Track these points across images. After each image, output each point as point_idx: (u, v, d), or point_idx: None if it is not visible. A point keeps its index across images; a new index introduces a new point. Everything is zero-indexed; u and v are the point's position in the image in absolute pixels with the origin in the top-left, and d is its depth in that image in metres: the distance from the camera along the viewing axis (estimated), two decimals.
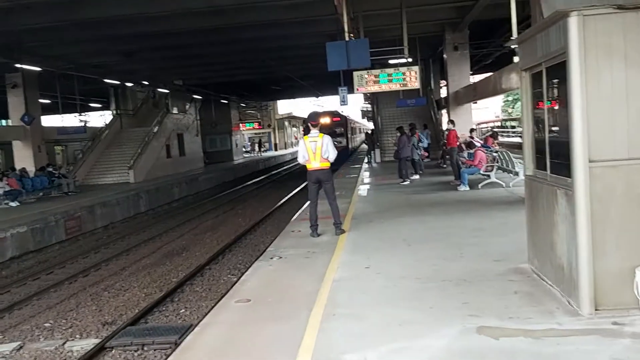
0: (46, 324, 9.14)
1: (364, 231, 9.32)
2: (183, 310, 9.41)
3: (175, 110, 36.63)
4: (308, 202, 9.84)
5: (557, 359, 3.99)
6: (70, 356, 7.67)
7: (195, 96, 39.56)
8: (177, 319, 8.98)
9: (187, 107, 39.07)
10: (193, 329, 5.99)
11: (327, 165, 9.15)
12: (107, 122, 33.67)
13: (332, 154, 9.09)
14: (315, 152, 9.04)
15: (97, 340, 8.01)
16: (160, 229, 18.29)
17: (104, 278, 12.14)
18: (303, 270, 7.18)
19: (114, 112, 34.17)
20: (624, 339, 4.21)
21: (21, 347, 8.08)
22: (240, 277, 7.73)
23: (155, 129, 31.63)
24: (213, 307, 6.45)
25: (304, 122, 33.85)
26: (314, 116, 10.07)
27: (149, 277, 11.93)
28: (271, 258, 7.98)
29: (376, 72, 17.06)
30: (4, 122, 33.31)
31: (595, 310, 4.62)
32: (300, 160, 9.36)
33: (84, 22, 18.96)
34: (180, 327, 8.08)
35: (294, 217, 12.39)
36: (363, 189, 15.76)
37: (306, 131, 9.48)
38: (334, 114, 36.79)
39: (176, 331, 7.81)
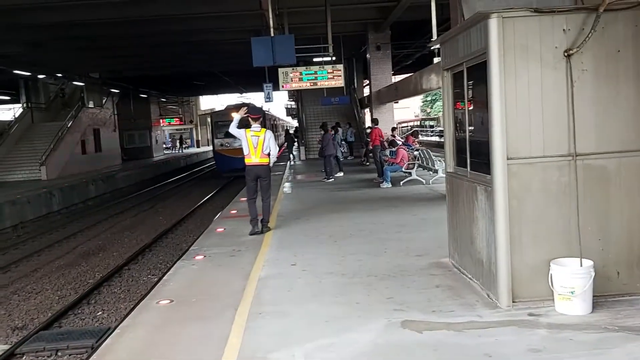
0: None
1: (290, 228, 9.29)
2: (100, 313, 9.01)
3: (91, 104, 35.07)
4: (245, 199, 9.51)
5: (478, 350, 4.11)
6: None
7: (112, 90, 38.07)
8: (94, 322, 8.58)
9: (104, 101, 37.52)
10: (112, 332, 5.74)
11: (266, 161, 8.97)
12: (17, 116, 31.76)
13: (274, 150, 8.97)
14: (256, 146, 8.82)
15: (6, 347, 7.52)
16: (75, 228, 17.48)
17: (13, 280, 11.44)
18: (228, 269, 7.04)
19: (24, 105, 32.27)
20: (540, 329, 4.40)
21: None
22: (161, 277, 7.48)
23: (70, 124, 30.19)
24: (133, 308, 6.21)
25: (211, 118, 32.12)
26: (257, 110, 9.88)
27: (63, 278, 11.35)
28: (194, 257, 7.78)
29: (301, 69, 17.07)
30: None
31: (513, 302, 4.81)
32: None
33: None
34: (97, 330, 7.72)
35: (218, 215, 12.17)
36: (288, 187, 15.73)
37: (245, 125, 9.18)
38: (251, 107, 34.22)
39: (93, 335, 7.46)
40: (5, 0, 16.87)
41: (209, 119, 35.88)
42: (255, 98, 56.73)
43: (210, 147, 36.55)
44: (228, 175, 27.40)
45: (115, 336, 5.08)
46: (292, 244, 8.13)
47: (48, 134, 28.83)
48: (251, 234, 8.92)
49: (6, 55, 25.22)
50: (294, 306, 5.40)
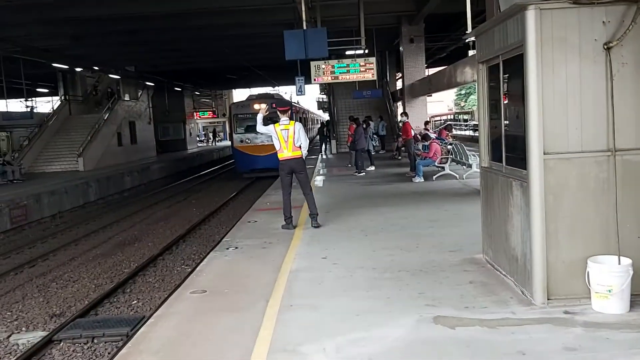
0: None
1: (321, 222, 9.30)
2: (135, 302, 9.17)
3: (127, 97, 35.69)
4: (281, 193, 9.21)
5: (511, 347, 4.06)
6: (15, 349, 7.37)
7: (147, 83, 38.64)
8: (129, 311, 8.74)
9: (140, 94, 38.13)
10: (146, 320, 5.84)
11: (299, 153, 8.87)
12: (55, 108, 32.53)
13: (305, 142, 8.91)
14: (287, 140, 8.76)
15: (44, 333, 7.73)
16: (111, 218, 17.83)
17: (51, 269, 11.74)
18: (260, 261, 7.10)
19: (63, 97, 33.03)
20: (575, 328, 4.32)
21: None
22: (195, 268, 7.58)
23: (106, 116, 30.78)
24: (167, 298, 6.31)
25: (229, 110, 28.23)
26: (284, 102, 9.84)
27: (99, 267, 11.60)
28: (227, 249, 7.87)
29: (333, 62, 17.01)
30: None
31: (548, 299, 4.73)
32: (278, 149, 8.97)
33: (30, 3, 18.20)
34: (132, 318, 7.87)
35: (251, 207, 12.26)
36: (319, 180, 15.74)
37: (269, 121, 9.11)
38: (276, 99, 26.83)
39: (128, 323, 7.60)
40: None
41: (227, 112, 31.43)
42: (288, 91, 56.71)
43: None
44: (248, 176, 24.53)
45: (149, 325, 5.18)
46: (323, 238, 8.14)
47: (85, 126, 29.48)
48: (284, 228, 8.87)
49: (47, 49, 25.83)
50: (325, 299, 5.41)
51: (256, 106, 20.15)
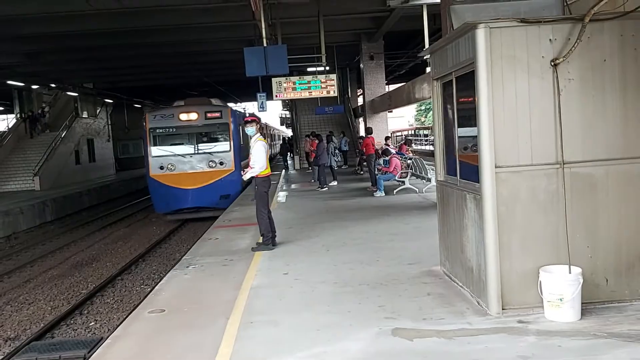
0: None
1: (283, 237, 9.29)
2: (93, 323, 8.97)
3: (85, 115, 35.07)
4: (259, 211, 8.45)
5: (467, 357, 4.14)
6: None
7: (106, 100, 38.08)
8: (86, 333, 8.56)
9: (98, 111, 37.53)
10: (104, 341, 5.73)
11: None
12: (10, 126, 31.72)
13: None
14: (267, 155, 8.46)
15: None
16: (69, 238, 17.42)
17: (6, 291, 11.38)
18: (220, 278, 7.05)
19: (18, 115, 32.24)
20: (529, 337, 4.43)
21: None
22: (154, 287, 7.48)
23: (63, 134, 30.16)
24: (125, 318, 6.19)
25: (145, 121, 17.79)
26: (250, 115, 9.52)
27: (55, 289, 11.31)
28: (187, 267, 7.78)
29: (294, 79, 17.16)
30: None
31: (503, 309, 4.84)
32: (260, 167, 8.28)
33: None
34: (89, 340, 7.69)
35: (212, 225, 12.16)
36: (282, 196, 15.74)
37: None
38: (217, 106, 18.84)
39: (85, 345, 7.42)
40: (3, 11, 16.91)
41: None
42: (250, 107, 56.63)
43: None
44: (173, 218, 17.85)
45: (106, 346, 5.08)
46: (284, 254, 8.14)
47: (42, 144, 28.80)
48: (264, 249, 8.33)
49: (3, 66, 25.26)
50: (286, 315, 5.41)
51: (185, 116, 17.25)
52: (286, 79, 16.95)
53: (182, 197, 17.00)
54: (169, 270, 7.90)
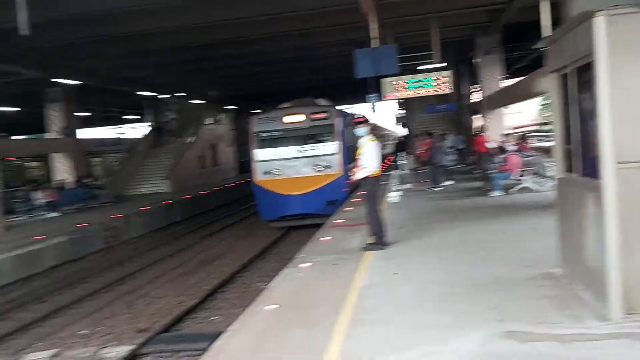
0: (82, 332, 9.37)
1: (394, 237, 9.27)
2: (214, 318, 9.52)
3: (209, 121, 37.16)
4: (371, 211, 8.47)
5: None
6: None
7: (229, 107, 40.06)
8: (209, 326, 9.09)
9: (222, 117, 39.59)
10: (223, 335, 6.06)
11: None
12: (144, 134, 34.36)
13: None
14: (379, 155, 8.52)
15: (131, 347, 8.16)
16: (195, 238, 18.53)
17: (139, 286, 12.37)
18: (332, 277, 7.20)
19: (150, 124, 34.86)
20: None
21: (57, 355, 8.29)
22: (269, 284, 7.78)
23: (190, 140, 32.16)
24: (242, 313, 6.51)
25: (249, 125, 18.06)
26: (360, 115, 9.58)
27: (182, 285, 12.11)
28: (300, 265, 8.02)
29: (406, 78, 16.99)
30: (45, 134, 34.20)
31: (626, 314, 4.52)
32: (373, 167, 8.31)
33: (117, 36, 19.43)
34: (211, 334, 8.15)
35: (325, 225, 12.41)
36: (394, 196, 15.67)
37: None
38: (324, 107, 18.56)
39: (207, 338, 7.84)
40: (134, 27, 18.35)
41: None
42: (362, 109, 56.87)
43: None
44: (278, 225, 17.25)
45: (224, 338, 5.39)
46: (395, 254, 8.12)
47: (170, 150, 30.95)
48: (375, 249, 8.32)
49: (136, 78, 27.44)
50: (395, 314, 5.42)
51: (290, 118, 17.09)
52: (397, 78, 16.85)
53: (287, 203, 16.57)
54: (284, 269, 8.19)
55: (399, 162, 26.51)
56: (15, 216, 20.01)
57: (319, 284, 6.98)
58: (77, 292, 12.28)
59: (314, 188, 16.39)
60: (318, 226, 12.33)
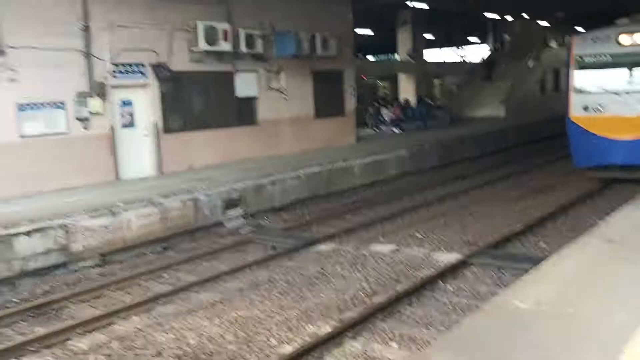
0: (417, 235, 10.53)
1: None
2: (542, 244, 9.60)
3: (553, 44, 34.95)
4: None
5: None
6: (436, 264, 8.77)
7: (577, 28, 36.82)
8: (535, 251, 9.24)
9: (566, 40, 36.78)
10: (548, 258, 6.23)
11: None
12: (482, 58, 34.33)
13: None
14: None
15: (459, 256, 8.91)
16: (528, 164, 18.27)
17: (469, 204, 13.06)
18: None
19: (492, 47, 34.56)
20: None
21: (397, 250, 9.60)
22: (605, 218, 7.52)
23: (530, 64, 30.98)
24: (572, 242, 6.53)
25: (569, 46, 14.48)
26: None
27: (511, 208, 12.34)
28: None
29: None
30: (394, 56, 37.01)
31: None
32: None
33: None
34: (537, 258, 8.31)
35: None
36: None
37: None
38: None
39: (532, 261, 8.03)
40: None
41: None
42: None
43: None
44: (594, 176, 14.05)
45: (550, 263, 5.56)
46: None
47: (509, 74, 30.35)
48: None
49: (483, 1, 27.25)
50: None
51: (628, 39, 12.81)
52: None
53: (609, 149, 13.07)
54: (623, 205, 7.75)
55: None
56: (366, 128, 22.82)
57: None
58: (415, 200, 13.67)
59: None
60: None
